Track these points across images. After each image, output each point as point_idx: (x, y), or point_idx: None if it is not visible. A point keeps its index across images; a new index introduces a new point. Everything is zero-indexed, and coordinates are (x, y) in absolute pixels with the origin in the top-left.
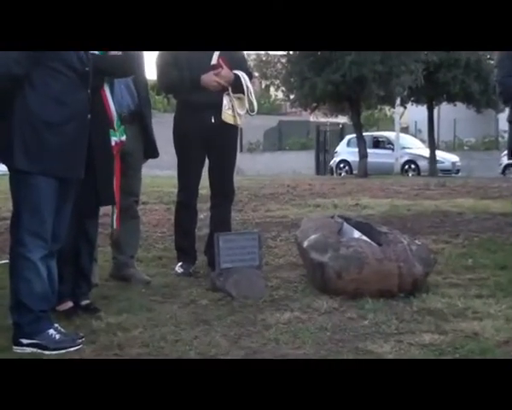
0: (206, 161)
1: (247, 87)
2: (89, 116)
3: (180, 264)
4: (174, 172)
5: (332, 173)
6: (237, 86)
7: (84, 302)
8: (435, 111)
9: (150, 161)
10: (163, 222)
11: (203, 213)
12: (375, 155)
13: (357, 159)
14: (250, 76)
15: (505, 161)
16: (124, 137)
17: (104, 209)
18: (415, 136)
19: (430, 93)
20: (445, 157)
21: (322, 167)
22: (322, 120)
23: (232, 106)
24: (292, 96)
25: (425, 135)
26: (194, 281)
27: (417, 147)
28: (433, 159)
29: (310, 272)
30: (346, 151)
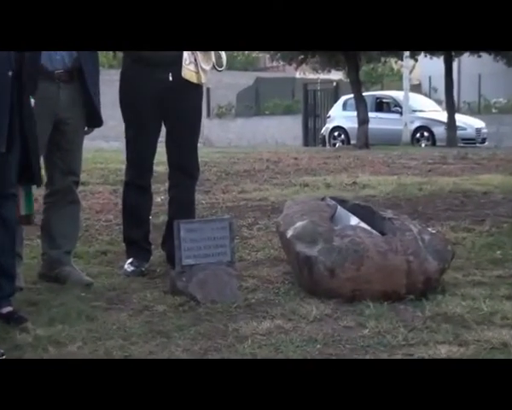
0: (163, 129)
1: None
2: (10, 73)
3: (130, 260)
4: (122, 145)
5: (324, 144)
6: None
7: (6, 310)
8: (454, 64)
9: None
10: (108, 207)
11: (160, 195)
12: (379, 121)
13: (355, 125)
14: None
15: None
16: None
17: (35, 193)
18: (428, 95)
19: None
20: (468, 122)
21: (311, 137)
22: (312, 76)
23: (195, 60)
24: None
25: (442, 94)
26: (149, 282)
27: (432, 110)
28: (451, 125)
29: (295, 268)
30: (341, 116)
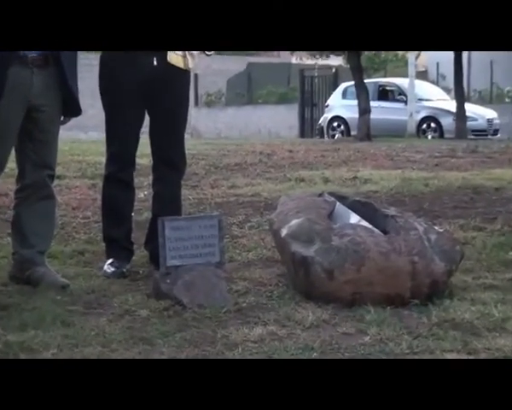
0: (147, 119)
1: None
2: None
3: (110, 261)
4: (102, 135)
5: (322, 135)
6: None
7: None
8: None
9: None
10: (87, 204)
11: (143, 190)
12: (382, 110)
13: (356, 115)
14: None
15: None
16: None
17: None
18: (436, 83)
19: None
20: (478, 112)
21: (308, 127)
22: (309, 62)
23: None
24: None
25: (450, 82)
26: (131, 284)
27: (439, 98)
28: (461, 115)
29: (290, 270)
30: (341, 105)
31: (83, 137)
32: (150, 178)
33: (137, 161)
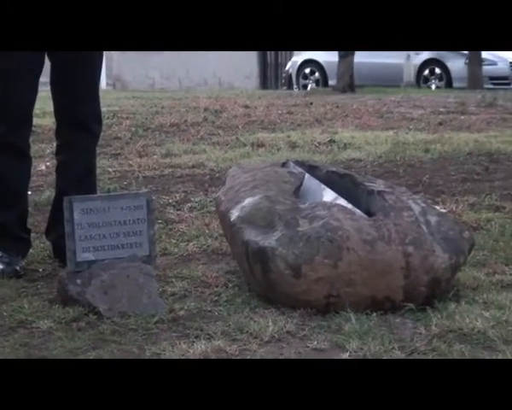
0: (47, 63)
1: None
2: None
3: None
4: None
5: (290, 86)
6: None
7: None
8: None
9: None
10: None
11: (44, 160)
12: (370, 52)
13: (335, 58)
14: None
15: None
16: None
17: None
18: None
19: None
20: (498, 54)
21: (271, 75)
22: None
23: None
24: None
25: None
26: (27, 287)
27: None
28: (475, 57)
29: (243, 266)
30: None
31: None
32: (54, 144)
33: (36, 120)
